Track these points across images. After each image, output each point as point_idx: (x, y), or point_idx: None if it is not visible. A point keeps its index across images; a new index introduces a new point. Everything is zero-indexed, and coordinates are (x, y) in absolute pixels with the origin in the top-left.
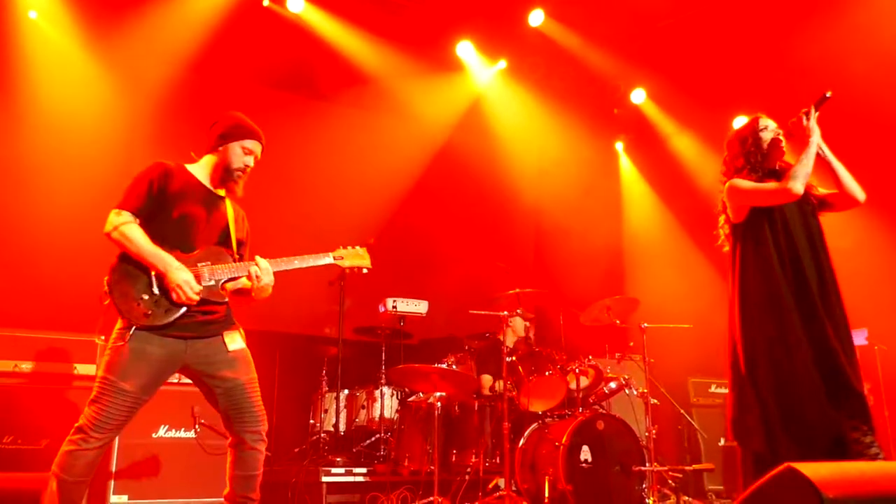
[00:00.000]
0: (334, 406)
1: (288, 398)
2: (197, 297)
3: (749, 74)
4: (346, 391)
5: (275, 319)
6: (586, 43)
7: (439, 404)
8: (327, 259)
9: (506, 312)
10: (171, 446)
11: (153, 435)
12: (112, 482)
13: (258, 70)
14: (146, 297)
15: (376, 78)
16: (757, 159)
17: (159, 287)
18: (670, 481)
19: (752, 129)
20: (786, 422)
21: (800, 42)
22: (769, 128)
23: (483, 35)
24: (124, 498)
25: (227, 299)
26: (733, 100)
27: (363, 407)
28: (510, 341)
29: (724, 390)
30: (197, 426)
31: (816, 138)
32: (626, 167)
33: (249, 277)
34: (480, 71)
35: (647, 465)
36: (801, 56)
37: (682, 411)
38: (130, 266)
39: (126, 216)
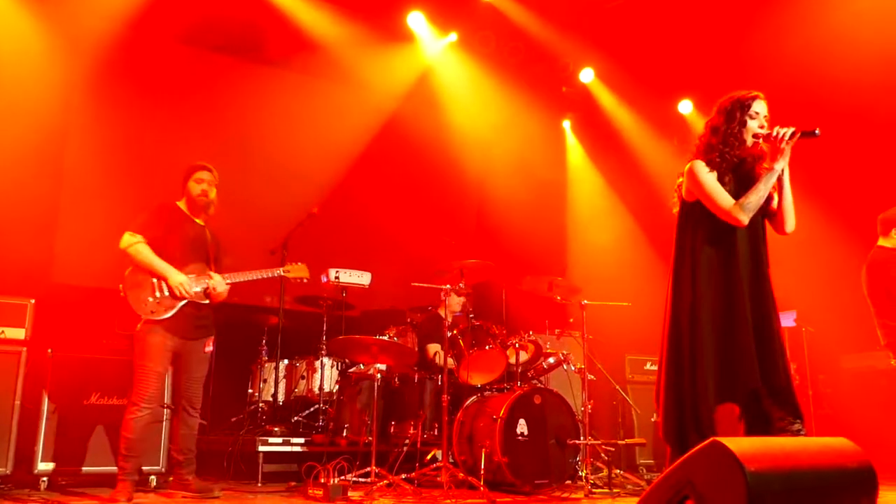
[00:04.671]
0: (273, 376)
1: (226, 367)
2: (192, 294)
3: (698, 59)
4: (286, 361)
5: None
6: (538, 19)
7: (379, 376)
8: (277, 272)
9: (448, 286)
10: (103, 414)
11: (84, 402)
12: (40, 449)
13: (203, 31)
14: (151, 299)
15: (325, 45)
16: (731, 144)
17: (160, 290)
18: (603, 455)
19: (742, 108)
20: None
21: (749, 29)
22: (760, 115)
23: (435, 6)
24: (51, 465)
25: (207, 301)
26: (681, 84)
27: (303, 377)
28: (450, 316)
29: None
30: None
31: (783, 164)
32: (573, 145)
33: (207, 289)
34: (431, 42)
35: (582, 438)
36: (750, 43)
37: (617, 387)
38: (139, 277)
39: (138, 237)
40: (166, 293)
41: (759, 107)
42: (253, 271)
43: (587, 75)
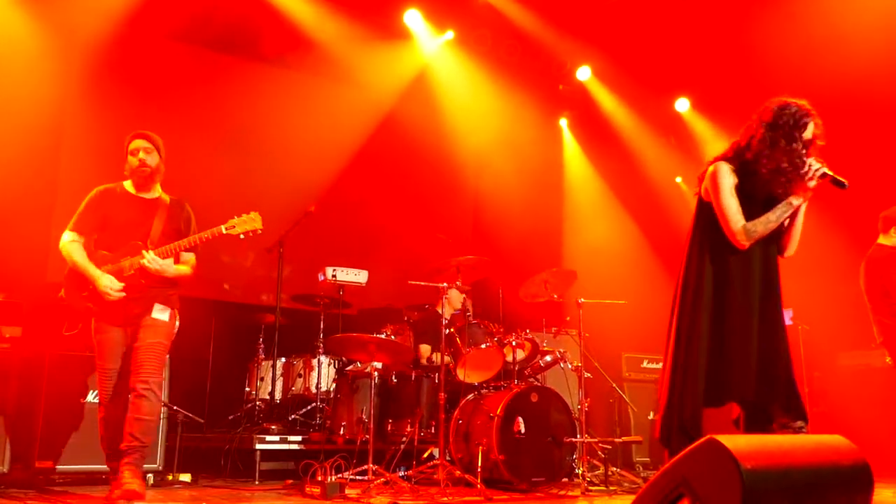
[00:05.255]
0: (270, 374)
1: (223, 365)
2: (119, 294)
3: (694, 57)
4: (283, 359)
5: (212, 286)
6: (534, 17)
7: (376, 374)
8: (218, 231)
9: (445, 284)
10: None
11: (82, 400)
12: (38, 447)
13: (199, 28)
14: (86, 294)
15: (322, 42)
16: (767, 156)
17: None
18: (600, 452)
19: (797, 123)
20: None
21: (746, 26)
22: (816, 140)
23: (431, 4)
24: (49, 463)
25: (143, 282)
26: (677, 82)
27: (300, 375)
28: (447, 314)
29: (656, 366)
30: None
31: (803, 203)
32: (570, 144)
33: (142, 269)
34: (427, 41)
35: (579, 436)
36: (748, 40)
37: (614, 385)
38: (76, 276)
39: (71, 236)
40: (110, 296)
41: (815, 126)
42: (186, 239)
43: (584, 73)
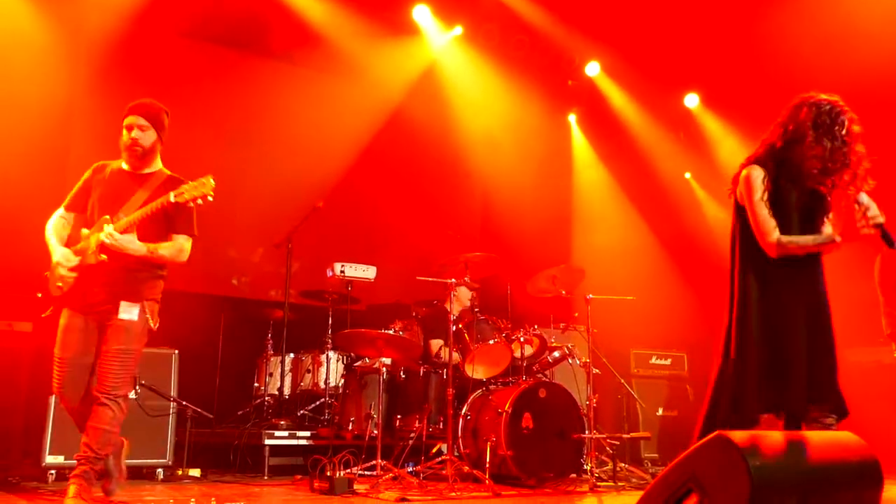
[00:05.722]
0: (279, 370)
1: (232, 361)
2: (70, 273)
3: (704, 52)
4: (292, 355)
5: (220, 282)
6: (543, 12)
7: (384, 370)
8: (167, 200)
9: (453, 280)
10: None
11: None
12: (48, 442)
13: (207, 24)
14: (47, 273)
15: (330, 38)
16: (812, 157)
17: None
18: (608, 448)
19: (835, 120)
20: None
21: (756, 20)
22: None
23: (440, 0)
24: (61, 458)
25: (104, 258)
26: (687, 77)
27: (308, 371)
28: (455, 310)
29: (664, 361)
30: (137, 387)
31: (839, 238)
32: (578, 139)
33: (101, 244)
34: (436, 36)
35: (587, 432)
36: (758, 35)
37: (622, 381)
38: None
39: (58, 213)
40: (59, 271)
41: (845, 127)
42: (141, 210)
43: (593, 69)
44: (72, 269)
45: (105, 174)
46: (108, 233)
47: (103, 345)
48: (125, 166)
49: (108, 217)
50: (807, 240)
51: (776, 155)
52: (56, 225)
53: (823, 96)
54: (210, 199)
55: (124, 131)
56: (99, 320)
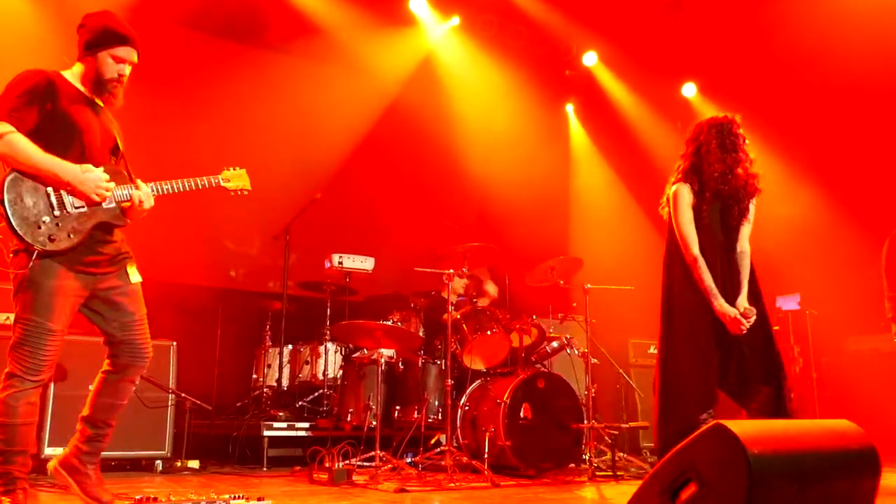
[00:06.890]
0: (277, 361)
1: (231, 353)
2: (117, 197)
3: (701, 42)
4: (290, 346)
5: (218, 273)
6: (540, 2)
7: (383, 361)
8: (214, 181)
9: (451, 270)
10: None
11: (90, 386)
12: (47, 434)
13: (204, 15)
14: (47, 219)
15: (327, 29)
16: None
17: (60, 204)
18: (607, 438)
19: (730, 135)
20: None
21: (753, 10)
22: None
23: None
24: (59, 450)
25: (128, 222)
26: (684, 67)
27: (307, 362)
28: (453, 300)
29: None
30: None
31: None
32: (576, 129)
33: (132, 201)
34: (433, 27)
35: (586, 422)
36: (754, 25)
37: (620, 371)
38: (28, 184)
39: (6, 126)
40: (71, 207)
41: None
42: (180, 180)
43: (590, 58)
44: (99, 203)
45: (67, 93)
46: (148, 194)
47: (131, 311)
48: (82, 88)
49: (124, 171)
50: (709, 283)
51: (697, 168)
52: (34, 145)
53: (720, 115)
54: (246, 193)
55: (110, 59)
56: (101, 281)
